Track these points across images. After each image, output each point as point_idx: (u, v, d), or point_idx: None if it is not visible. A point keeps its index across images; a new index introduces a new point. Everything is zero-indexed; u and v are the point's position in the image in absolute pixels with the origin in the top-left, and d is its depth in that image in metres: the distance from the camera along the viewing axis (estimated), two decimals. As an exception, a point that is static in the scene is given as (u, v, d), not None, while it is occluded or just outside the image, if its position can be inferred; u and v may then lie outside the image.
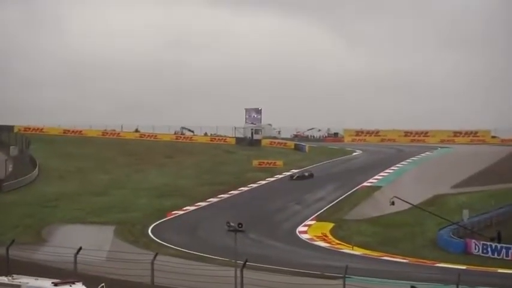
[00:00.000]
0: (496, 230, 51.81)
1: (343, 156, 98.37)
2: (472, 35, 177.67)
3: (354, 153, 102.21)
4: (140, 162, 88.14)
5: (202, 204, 64.64)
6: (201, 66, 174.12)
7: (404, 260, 45.30)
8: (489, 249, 47.87)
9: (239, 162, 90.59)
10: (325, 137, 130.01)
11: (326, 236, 53.54)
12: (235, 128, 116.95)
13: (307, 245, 50.04)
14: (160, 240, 49.58)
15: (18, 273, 26.73)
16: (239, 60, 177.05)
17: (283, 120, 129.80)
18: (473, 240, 49.21)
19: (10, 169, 76.76)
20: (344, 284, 26.66)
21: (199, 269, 33.76)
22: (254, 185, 74.56)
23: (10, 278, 26.03)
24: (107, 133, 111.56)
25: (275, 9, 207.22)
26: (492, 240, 49.47)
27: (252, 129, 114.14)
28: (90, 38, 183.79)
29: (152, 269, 28.71)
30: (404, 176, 78.59)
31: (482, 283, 34.14)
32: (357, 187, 71.75)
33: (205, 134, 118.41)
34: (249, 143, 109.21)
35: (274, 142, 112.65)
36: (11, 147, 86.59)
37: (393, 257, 46.21)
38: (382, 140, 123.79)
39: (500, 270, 42.36)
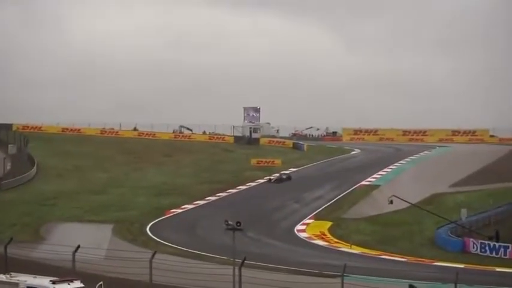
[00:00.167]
0: (494, 229, 51.87)
1: (341, 155, 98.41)
2: (470, 35, 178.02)
3: (353, 152, 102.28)
4: (139, 160, 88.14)
5: (201, 202, 64.65)
6: (199, 65, 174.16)
7: (403, 259, 45.33)
8: (487, 248, 47.91)
9: (237, 160, 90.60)
10: (324, 135, 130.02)
11: (324, 234, 53.55)
12: (233, 126, 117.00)
13: (305, 244, 50.04)
14: (158, 238, 49.56)
15: (16, 272, 26.73)
16: (238, 59, 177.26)
17: (282, 119, 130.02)
18: (472, 239, 49.25)
19: (8, 167, 76.70)
20: (342, 283, 26.64)
21: (198, 267, 33.71)
22: (252, 184, 74.56)
23: (8, 276, 26.03)
24: (106, 131, 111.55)
25: (274, 9, 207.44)
26: (490, 239, 49.51)
27: (250, 128, 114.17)
28: (90, 37, 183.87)
29: (150, 267, 28.67)
30: (402, 175, 78.65)
31: (480, 282, 34.15)
32: (356, 186, 71.78)
33: (204, 133, 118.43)
34: (248, 141, 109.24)
35: (273, 141, 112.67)
36: (9, 145, 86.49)
37: (391, 256, 46.24)
38: (381, 139, 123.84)
39: (498, 269, 42.43)
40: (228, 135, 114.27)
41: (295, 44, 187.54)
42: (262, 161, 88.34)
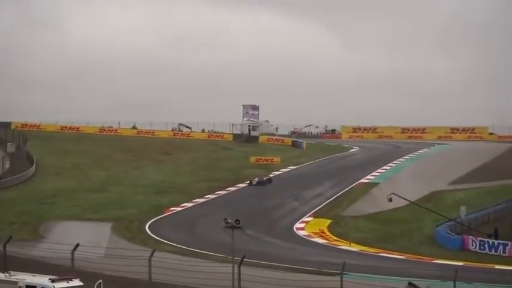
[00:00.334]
0: (493, 226, 51.91)
1: (340, 153, 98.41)
2: (469, 33, 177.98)
3: (352, 150, 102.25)
4: (138, 158, 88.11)
5: (200, 200, 64.63)
6: (198, 63, 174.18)
7: (402, 257, 45.37)
8: (486, 245, 47.95)
9: (236, 158, 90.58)
10: (323, 133, 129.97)
11: (323, 232, 53.55)
12: (232, 124, 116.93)
13: (304, 242, 50.05)
14: (157, 236, 49.55)
15: (15, 270, 26.72)
16: (237, 57, 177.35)
17: (281, 117, 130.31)
18: (471, 237, 49.28)
19: (7, 166, 76.69)
20: (341, 281, 26.64)
21: (197, 265, 33.75)
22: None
23: (7, 274, 26.03)
24: (104, 130, 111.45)
25: (274, 8, 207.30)
26: (489, 236, 49.56)
27: (249, 125, 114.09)
28: (89, 36, 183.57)
29: (150, 266, 28.66)
30: (401, 172, 78.64)
31: (480, 279, 34.22)
32: (355, 184, 71.77)
33: (203, 131, 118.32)
34: (247, 139, 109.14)
35: (272, 139, 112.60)
36: (8, 143, 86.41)
37: (391, 254, 46.27)
38: (380, 137, 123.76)
39: (497, 267, 42.47)
40: (227, 133, 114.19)
41: (294, 42, 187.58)
42: (261, 159, 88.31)
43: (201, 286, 30.60)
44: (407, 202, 56.90)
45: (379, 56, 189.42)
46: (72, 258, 29.49)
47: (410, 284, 28.15)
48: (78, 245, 29.96)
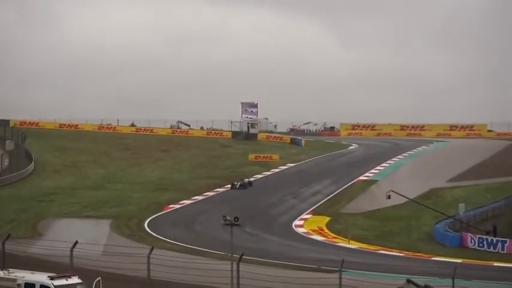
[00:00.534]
0: (492, 223, 51.89)
1: (339, 150, 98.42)
2: (468, 31, 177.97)
3: (350, 147, 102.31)
4: (136, 156, 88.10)
5: (199, 198, 64.60)
6: (197, 61, 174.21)
7: (401, 254, 45.36)
8: (485, 242, 47.97)
9: (235, 156, 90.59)
10: (322, 131, 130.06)
11: (322, 229, 53.55)
12: (231, 122, 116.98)
13: (303, 239, 50.05)
14: (156, 234, 49.53)
15: (14, 267, 26.69)
16: (236, 55, 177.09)
17: (280, 114, 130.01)
18: (469, 234, 49.29)
19: (6, 163, 76.67)
20: (340, 278, 26.66)
21: (196, 262, 33.76)
22: (250, 179, 74.46)
23: (6, 272, 25.99)
24: (103, 127, 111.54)
25: (273, 6, 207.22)
26: (488, 233, 49.56)
27: (248, 123, 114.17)
28: (87, 33, 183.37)
29: (148, 263, 28.67)
30: (400, 169, 78.71)
31: (478, 277, 34.21)
32: (354, 181, 71.78)
33: (202, 128, 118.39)
34: (245, 137, 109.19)
35: (271, 136, 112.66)
36: (7, 141, 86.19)
37: (389, 251, 46.27)
38: (379, 134, 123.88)
39: (496, 264, 42.49)
40: (226, 131, 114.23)
41: (292, 40, 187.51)
42: (260, 156, 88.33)
43: (200, 283, 30.63)
44: (406, 199, 56.93)
45: (378, 54, 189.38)
46: (71, 256, 29.49)
47: (408, 281, 28.11)
48: (77, 242, 29.96)
